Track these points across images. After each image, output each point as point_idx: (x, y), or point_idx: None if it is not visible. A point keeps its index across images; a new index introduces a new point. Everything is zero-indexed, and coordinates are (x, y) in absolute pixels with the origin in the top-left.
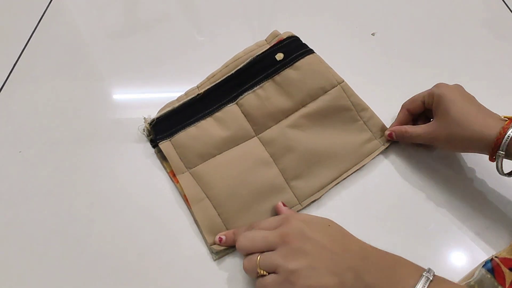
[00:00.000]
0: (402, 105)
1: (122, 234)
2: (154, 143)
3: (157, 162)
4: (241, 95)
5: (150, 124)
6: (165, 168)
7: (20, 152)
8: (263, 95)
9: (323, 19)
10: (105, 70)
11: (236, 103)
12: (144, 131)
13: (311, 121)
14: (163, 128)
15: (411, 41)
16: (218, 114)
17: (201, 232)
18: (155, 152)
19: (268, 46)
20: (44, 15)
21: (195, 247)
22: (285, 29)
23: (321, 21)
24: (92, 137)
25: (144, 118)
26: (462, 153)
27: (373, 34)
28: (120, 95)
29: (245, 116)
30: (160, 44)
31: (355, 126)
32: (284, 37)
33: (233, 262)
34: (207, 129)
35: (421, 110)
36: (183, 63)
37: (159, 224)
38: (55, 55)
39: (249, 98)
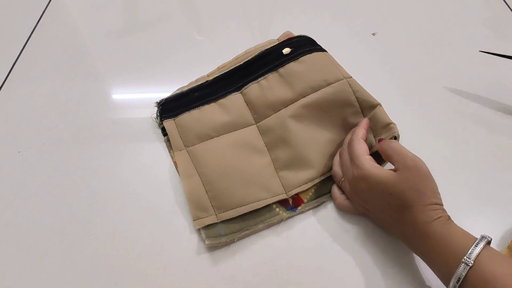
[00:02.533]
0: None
1: (122, 234)
2: (164, 131)
3: (157, 162)
4: (246, 85)
5: (159, 103)
6: (172, 158)
7: (19, 152)
8: (266, 86)
9: (323, 19)
10: (104, 70)
11: (241, 92)
12: (156, 118)
13: (309, 112)
14: (169, 108)
15: (411, 41)
16: (222, 100)
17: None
18: (164, 140)
19: (278, 42)
20: (43, 14)
21: (195, 247)
22: (285, 29)
23: (321, 21)
24: (92, 137)
25: (156, 102)
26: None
27: (373, 34)
28: (120, 95)
29: (247, 104)
30: (160, 44)
31: (356, 122)
32: (295, 35)
33: (233, 263)
34: (210, 113)
35: None
36: (183, 63)
37: (159, 224)
38: (55, 55)
39: (253, 88)
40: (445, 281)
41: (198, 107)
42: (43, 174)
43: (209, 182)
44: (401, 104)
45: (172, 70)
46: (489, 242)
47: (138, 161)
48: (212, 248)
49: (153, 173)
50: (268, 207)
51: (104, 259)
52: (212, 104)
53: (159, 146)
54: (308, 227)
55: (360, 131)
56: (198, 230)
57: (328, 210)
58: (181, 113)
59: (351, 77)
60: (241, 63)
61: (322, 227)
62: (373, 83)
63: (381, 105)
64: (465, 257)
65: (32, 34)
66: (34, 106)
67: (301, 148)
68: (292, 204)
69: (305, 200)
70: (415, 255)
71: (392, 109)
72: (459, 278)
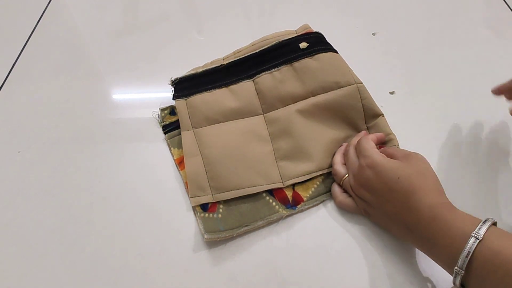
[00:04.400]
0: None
1: (122, 234)
2: (166, 129)
3: (157, 162)
4: (259, 74)
5: (173, 81)
6: (172, 156)
7: (19, 152)
8: (278, 78)
9: (323, 19)
10: (104, 69)
11: (253, 81)
12: (158, 116)
13: (316, 111)
14: (183, 87)
15: (412, 41)
16: (233, 86)
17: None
18: (165, 138)
19: (296, 35)
20: (44, 14)
21: (195, 247)
22: (285, 28)
23: (321, 21)
24: (92, 137)
25: (171, 80)
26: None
27: (373, 34)
28: (120, 95)
29: (257, 93)
30: (160, 44)
31: (358, 129)
32: (313, 31)
33: (233, 263)
34: (220, 97)
35: None
36: (184, 63)
37: (160, 224)
38: (55, 55)
39: (265, 78)
40: (451, 263)
41: (210, 90)
42: (43, 174)
43: (209, 163)
44: (401, 104)
45: (172, 70)
46: (494, 224)
47: (138, 161)
48: (212, 248)
49: (153, 173)
50: (267, 204)
51: (104, 259)
52: (223, 89)
53: (160, 146)
54: (308, 227)
55: (370, 135)
56: (198, 227)
57: (328, 210)
58: (192, 94)
59: (362, 83)
60: (257, 50)
61: (322, 227)
62: (373, 83)
63: (383, 116)
64: (474, 232)
65: (32, 34)
66: (34, 106)
67: (303, 142)
68: (291, 202)
69: (304, 199)
70: (415, 255)
71: (392, 109)
72: (468, 252)
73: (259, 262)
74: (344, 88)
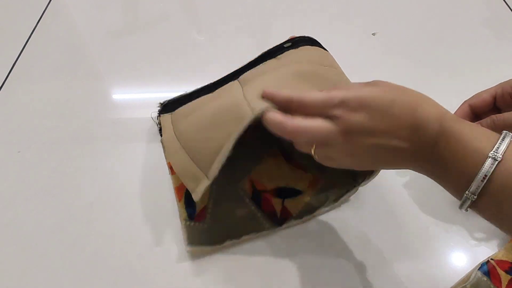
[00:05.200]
0: (464, 101)
1: (122, 234)
2: (160, 125)
3: (157, 162)
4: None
5: (162, 104)
6: (166, 158)
7: (19, 152)
8: (262, 68)
9: (323, 19)
10: (104, 70)
11: (238, 80)
12: (156, 118)
13: (297, 76)
14: (171, 108)
15: (412, 41)
16: (217, 89)
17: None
18: (161, 140)
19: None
20: (44, 14)
21: None
22: (285, 28)
23: (321, 22)
24: (92, 137)
25: (160, 103)
26: None
27: (373, 34)
28: (120, 95)
29: (239, 82)
30: (160, 44)
31: None
32: (298, 35)
33: (233, 263)
34: (203, 99)
35: (488, 108)
36: (183, 63)
37: (159, 224)
38: (55, 55)
39: (249, 73)
40: (462, 187)
41: (195, 99)
42: (43, 174)
43: (188, 146)
44: None
45: (172, 70)
46: None
47: (138, 161)
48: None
49: (153, 173)
50: (254, 218)
51: (104, 259)
52: (208, 95)
53: (159, 146)
54: (308, 227)
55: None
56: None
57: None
58: (178, 108)
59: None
60: (245, 63)
61: (323, 227)
62: None
63: None
64: (491, 152)
65: (32, 34)
66: (34, 106)
67: (275, 78)
68: (279, 216)
69: (293, 214)
70: (415, 255)
71: None
72: (484, 176)
73: (259, 262)
74: (327, 67)
